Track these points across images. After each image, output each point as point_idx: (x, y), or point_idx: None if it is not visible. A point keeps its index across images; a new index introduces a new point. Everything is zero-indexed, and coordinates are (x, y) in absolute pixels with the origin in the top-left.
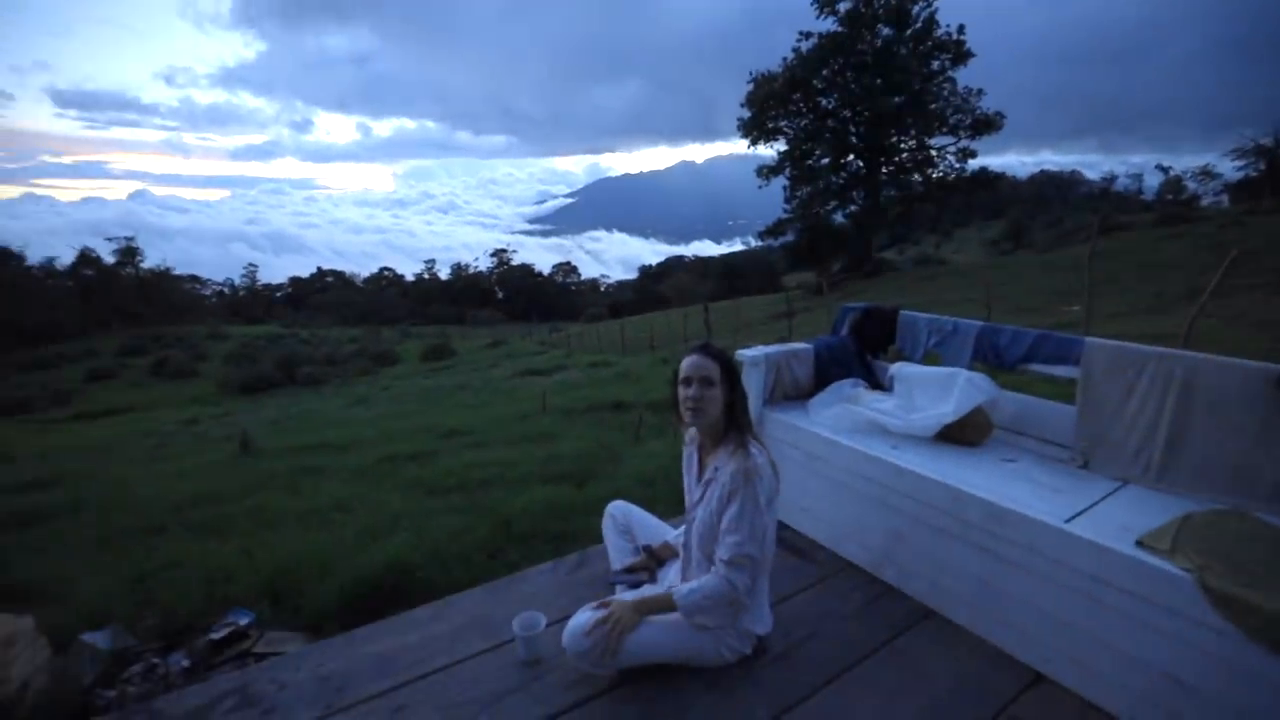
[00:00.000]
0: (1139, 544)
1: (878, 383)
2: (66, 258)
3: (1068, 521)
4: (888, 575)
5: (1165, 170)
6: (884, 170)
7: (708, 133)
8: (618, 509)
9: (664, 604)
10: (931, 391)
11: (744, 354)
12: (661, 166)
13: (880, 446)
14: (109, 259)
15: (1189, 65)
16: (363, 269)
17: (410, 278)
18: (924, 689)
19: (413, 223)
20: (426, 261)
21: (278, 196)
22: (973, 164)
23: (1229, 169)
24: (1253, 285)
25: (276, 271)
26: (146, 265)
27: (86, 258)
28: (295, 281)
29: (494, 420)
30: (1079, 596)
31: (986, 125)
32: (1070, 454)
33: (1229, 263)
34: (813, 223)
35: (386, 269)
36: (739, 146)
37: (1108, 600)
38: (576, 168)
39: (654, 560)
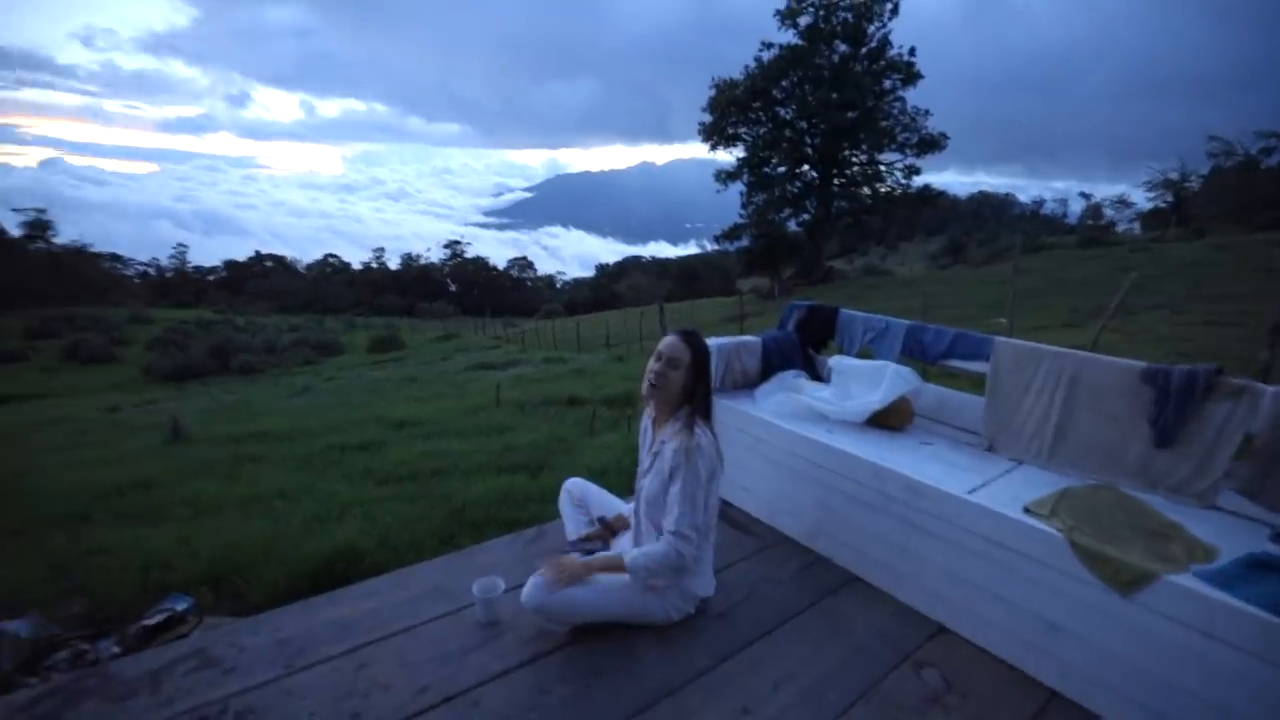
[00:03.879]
0: (1025, 510)
1: (818, 374)
2: None
3: (970, 493)
4: (819, 546)
5: (1087, 197)
6: (836, 182)
7: (664, 135)
8: (573, 485)
9: (614, 564)
10: (864, 382)
11: None
12: (621, 166)
13: (816, 430)
14: (15, 231)
15: (1100, 100)
16: (305, 255)
17: (357, 266)
18: (845, 640)
19: (360, 209)
20: (375, 250)
21: (212, 174)
22: (917, 181)
23: (1141, 199)
24: (1156, 305)
25: (208, 254)
26: (60, 240)
27: None
28: (230, 265)
29: (446, 412)
30: (977, 557)
31: (931, 145)
32: (979, 439)
33: (1128, 284)
34: (767, 229)
35: (332, 256)
36: (695, 150)
37: (999, 558)
38: (534, 162)
39: (608, 531)
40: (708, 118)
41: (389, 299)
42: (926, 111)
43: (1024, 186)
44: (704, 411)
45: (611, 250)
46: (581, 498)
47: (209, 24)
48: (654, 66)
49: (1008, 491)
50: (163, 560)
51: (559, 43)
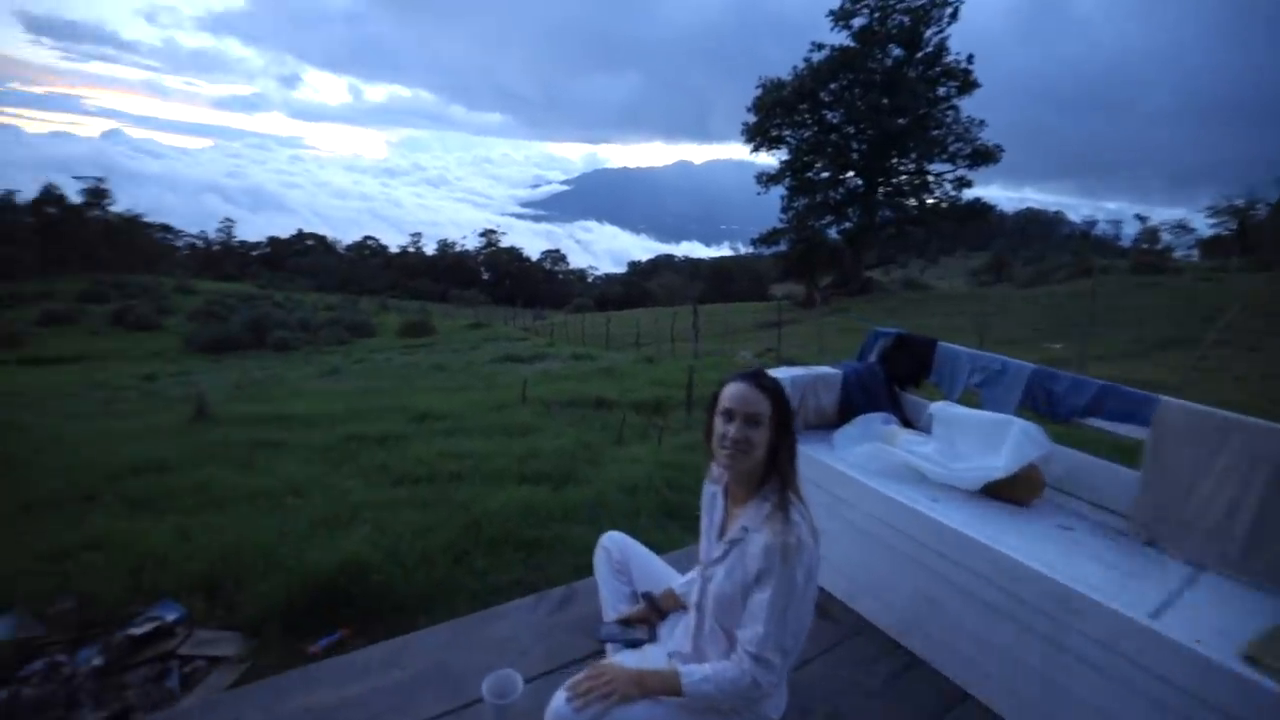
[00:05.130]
0: (1248, 659)
1: (907, 419)
2: (30, 192)
3: (1153, 616)
4: (914, 644)
5: (1143, 220)
6: (881, 190)
7: (703, 134)
8: (614, 542)
9: (669, 685)
10: (976, 439)
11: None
12: (659, 164)
13: (917, 496)
14: (75, 198)
15: (1162, 121)
16: (345, 236)
17: (394, 249)
18: None
19: (401, 193)
20: (413, 234)
21: (262, 152)
22: (967, 193)
23: (1202, 225)
24: (1224, 341)
25: (253, 229)
26: (115, 209)
27: (51, 194)
28: (274, 241)
29: (471, 407)
30: (1165, 713)
31: (985, 157)
32: (1131, 525)
33: (1228, 321)
34: (807, 235)
35: (370, 238)
36: (734, 151)
37: None
38: (574, 155)
39: (655, 612)
40: (751, 118)
41: (423, 283)
42: (981, 122)
43: (1074, 205)
44: (792, 480)
45: (644, 247)
46: (622, 560)
47: (265, 5)
48: (696, 65)
49: (1203, 617)
50: (159, 558)
51: (602, 36)
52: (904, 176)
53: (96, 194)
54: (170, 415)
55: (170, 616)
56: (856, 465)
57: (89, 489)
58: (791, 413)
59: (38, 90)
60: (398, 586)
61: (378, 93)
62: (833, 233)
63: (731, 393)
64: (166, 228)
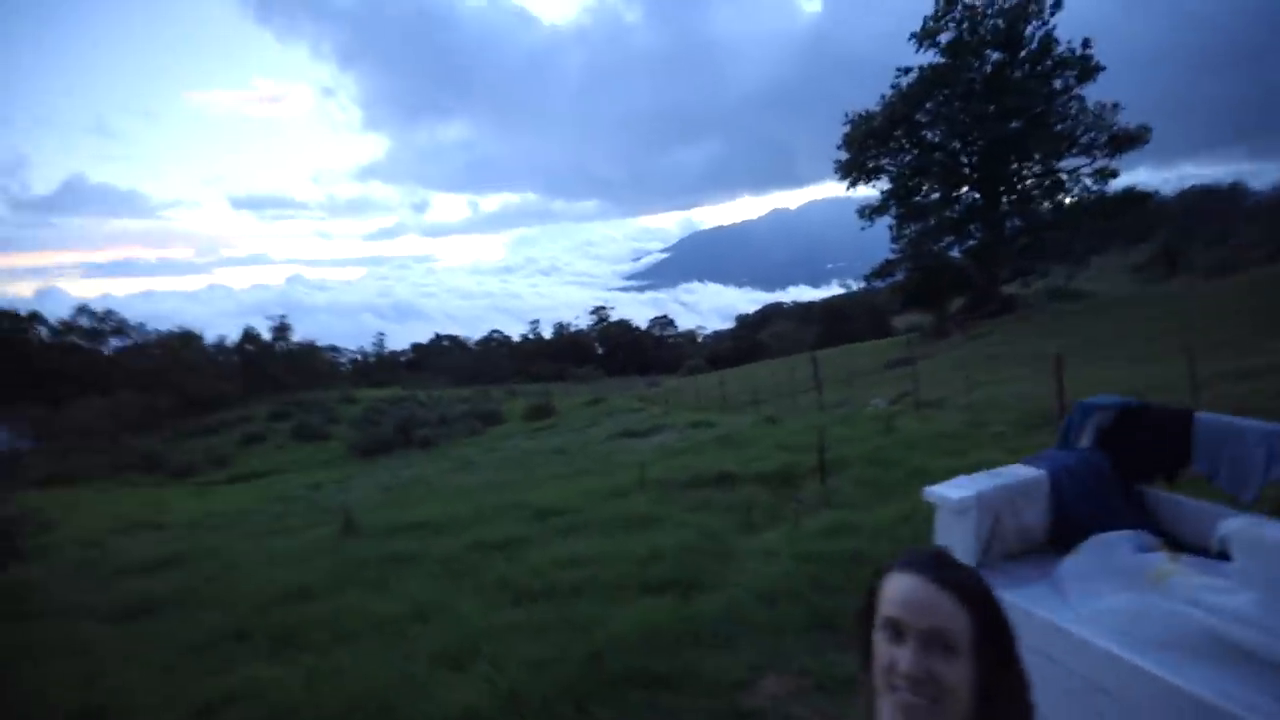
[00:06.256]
0: None
1: (1173, 538)
2: (235, 336)
3: None
4: None
5: None
6: (1005, 200)
7: (792, 179)
8: None
9: None
10: None
11: (937, 493)
12: (753, 216)
13: (1255, 697)
14: (266, 335)
15: None
16: (474, 332)
17: (516, 338)
18: None
19: (518, 286)
20: (531, 322)
21: (402, 271)
22: (1116, 184)
23: None
24: None
25: (401, 338)
26: (295, 339)
27: (249, 335)
28: (416, 347)
29: (588, 496)
30: None
31: (1128, 141)
32: None
33: None
34: (925, 261)
35: (495, 331)
36: (828, 189)
37: None
38: (669, 224)
39: None
40: (843, 155)
41: (543, 365)
42: (1116, 105)
43: (1253, 172)
44: None
45: (749, 300)
46: None
47: (398, 148)
48: (772, 115)
49: None
50: (291, 710)
51: (679, 109)
52: (1030, 180)
53: (280, 329)
54: (323, 530)
55: None
56: (1113, 629)
57: (242, 624)
58: (1010, 628)
59: (239, 253)
60: None
61: (491, 203)
62: (955, 253)
63: (897, 593)
64: (334, 348)
